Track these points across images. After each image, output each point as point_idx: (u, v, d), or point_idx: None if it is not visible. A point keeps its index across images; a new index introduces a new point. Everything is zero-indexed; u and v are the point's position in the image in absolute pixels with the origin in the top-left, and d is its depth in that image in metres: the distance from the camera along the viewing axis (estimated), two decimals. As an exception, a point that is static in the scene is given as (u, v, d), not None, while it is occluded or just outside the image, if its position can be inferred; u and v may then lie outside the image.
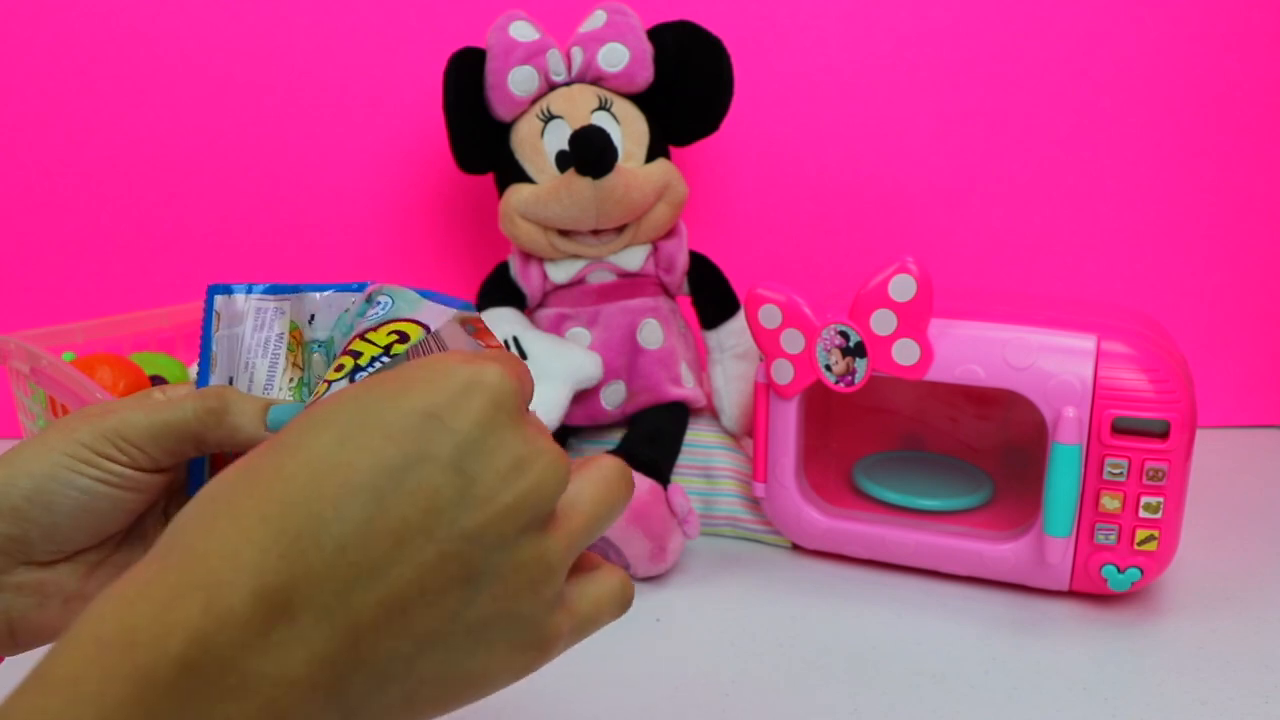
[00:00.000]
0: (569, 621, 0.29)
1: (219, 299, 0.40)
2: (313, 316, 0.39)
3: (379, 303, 0.35)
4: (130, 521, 0.36)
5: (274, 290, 0.40)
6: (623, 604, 0.31)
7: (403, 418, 0.26)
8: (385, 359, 0.32)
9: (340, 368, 0.32)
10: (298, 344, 0.39)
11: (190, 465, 0.37)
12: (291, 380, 0.38)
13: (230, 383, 0.39)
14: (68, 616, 0.35)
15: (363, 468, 0.25)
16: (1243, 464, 0.84)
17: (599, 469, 0.30)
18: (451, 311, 0.34)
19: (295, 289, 0.40)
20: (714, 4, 0.84)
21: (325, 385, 0.32)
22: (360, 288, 0.39)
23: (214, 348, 0.40)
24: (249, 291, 0.40)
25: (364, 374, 0.31)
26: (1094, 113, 0.86)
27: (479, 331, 0.35)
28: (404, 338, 0.33)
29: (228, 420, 0.35)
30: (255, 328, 0.40)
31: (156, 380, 0.72)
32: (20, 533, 0.33)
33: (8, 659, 0.36)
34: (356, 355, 0.32)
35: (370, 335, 0.33)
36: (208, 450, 0.35)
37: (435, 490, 0.25)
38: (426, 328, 0.33)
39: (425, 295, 0.36)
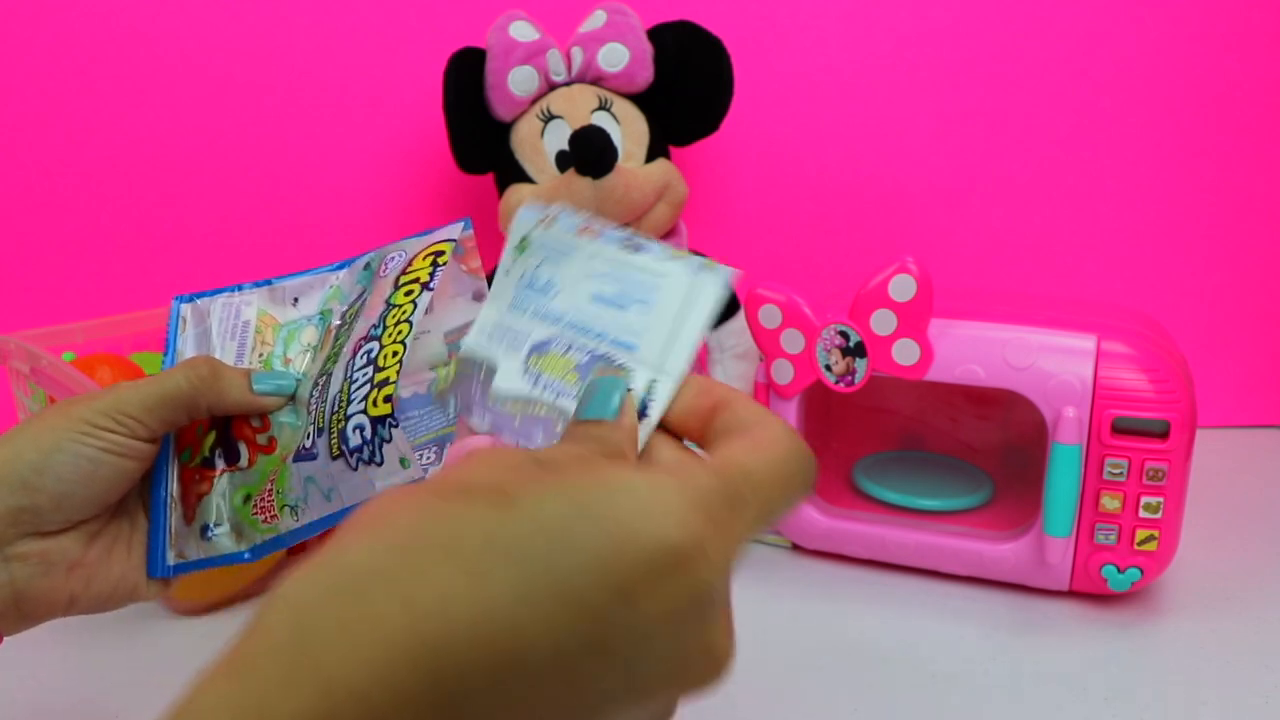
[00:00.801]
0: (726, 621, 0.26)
1: (184, 307, 0.44)
2: (296, 299, 0.43)
3: (390, 257, 0.39)
4: (128, 489, 0.39)
5: (239, 289, 0.44)
6: (801, 478, 0.28)
7: (594, 593, 0.21)
8: (439, 269, 0.36)
9: (411, 291, 0.36)
10: (267, 326, 0.42)
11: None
12: (261, 355, 0.42)
13: None
14: (71, 584, 0.37)
15: (535, 642, 0.21)
16: (1243, 464, 0.84)
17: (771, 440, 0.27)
18: (458, 227, 0.38)
19: (259, 283, 0.44)
20: (714, 4, 0.84)
21: (411, 306, 0.35)
22: (338, 266, 0.42)
23: (179, 347, 0.43)
24: (213, 295, 0.44)
25: (437, 276, 0.35)
26: (1094, 113, 0.86)
27: (468, 253, 0.39)
28: (439, 254, 0.37)
29: (218, 384, 0.38)
30: (222, 319, 0.43)
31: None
32: (30, 503, 0.35)
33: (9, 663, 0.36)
34: (414, 280, 0.36)
35: (410, 270, 0.37)
36: (198, 415, 0.38)
37: (594, 680, 0.22)
38: (451, 240, 0.37)
39: (408, 237, 0.40)
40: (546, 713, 0.22)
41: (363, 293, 0.39)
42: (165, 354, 0.43)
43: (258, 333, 0.42)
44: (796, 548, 0.70)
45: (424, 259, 0.37)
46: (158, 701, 0.59)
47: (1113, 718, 0.50)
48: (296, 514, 0.37)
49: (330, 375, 0.37)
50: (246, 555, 0.39)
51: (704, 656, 0.24)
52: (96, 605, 0.38)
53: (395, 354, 0.34)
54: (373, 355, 0.35)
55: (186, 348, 0.43)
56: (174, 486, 0.40)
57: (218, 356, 0.42)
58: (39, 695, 0.53)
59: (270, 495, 0.38)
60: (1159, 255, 0.89)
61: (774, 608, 0.62)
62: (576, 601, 0.21)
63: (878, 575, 0.66)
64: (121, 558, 0.39)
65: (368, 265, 0.41)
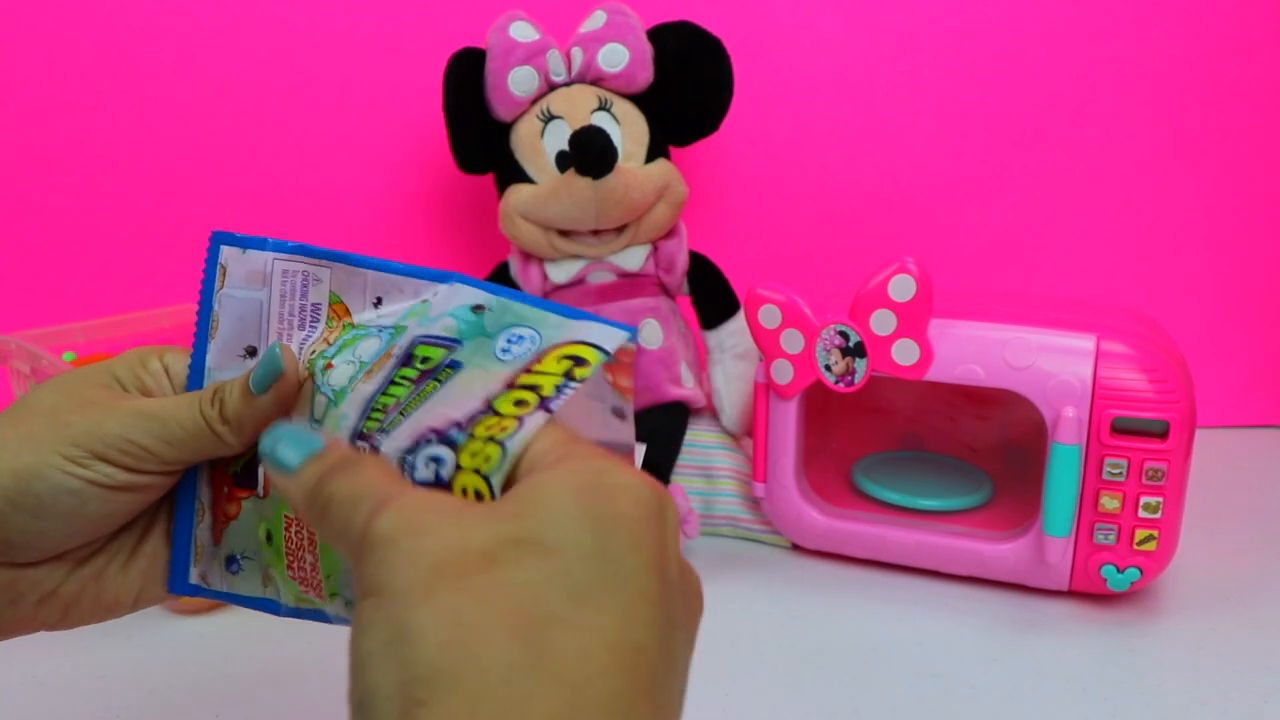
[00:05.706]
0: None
1: (226, 251, 0.35)
2: (380, 299, 0.34)
3: (519, 338, 0.31)
4: (124, 522, 0.34)
5: (304, 251, 0.35)
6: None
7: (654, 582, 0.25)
8: (572, 384, 0.29)
9: (523, 403, 0.28)
10: (338, 319, 0.34)
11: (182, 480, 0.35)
12: (314, 353, 0.34)
13: (252, 353, 0.35)
14: (40, 617, 0.33)
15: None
16: (1243, 464, 0.84)
17: None
18: (622, 336, 0.30)
19: (335, 255, 0.34)
20: (714, 4, 0.84)
21: (516, 423, 0.28)
22: (435, 276, 0.33)
23: (215, 306, 0.35)
24: (268, 248, 0.35)
25: (559, 399, 0.28)
26: (1094, 113, 0.86)
27: (621, 369, 0.31)
28: (580, 361, 0.29)
29: (223, 412, 0.32)
30: (284, 294, 0.35)
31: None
32: None
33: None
34: (535, 388, 0.29)
35: (537, 368, 0.29)
36: (215, 448, 0.33)
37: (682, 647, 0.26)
38: (603, 350, 0.29)
39: (546, 307, 0.31)
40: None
41: (458, 339, 0.32)
42: (200, 309, 0.35)
43: (329, 325, 0.34)
44: (796, 548, 0.70)
45: (557, 360, 0.29)
46: (158, 701, 0.59)
47: (1112, 718, 0.50)
48: (350, 606, 0.31)
49: (401, 407, 0.30)
50: (282, 610, 0.33)
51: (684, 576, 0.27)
52: (81, 622, 0.34)
53: (489, 457, 0.27)
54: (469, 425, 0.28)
55: (226, 312, 0.35)
56: (205, 492, 0.35)
57: (276, 340, 0.34)
58: (39, 695, 0.53)
59: (314, 571, 0.32)
60: (1159, 255, 0.89)
61: (774, 608, 0.62)
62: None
63: (878, 575, 0.66)
64: (114, 580, 0.34)
65: (478, 307, 0.32)
